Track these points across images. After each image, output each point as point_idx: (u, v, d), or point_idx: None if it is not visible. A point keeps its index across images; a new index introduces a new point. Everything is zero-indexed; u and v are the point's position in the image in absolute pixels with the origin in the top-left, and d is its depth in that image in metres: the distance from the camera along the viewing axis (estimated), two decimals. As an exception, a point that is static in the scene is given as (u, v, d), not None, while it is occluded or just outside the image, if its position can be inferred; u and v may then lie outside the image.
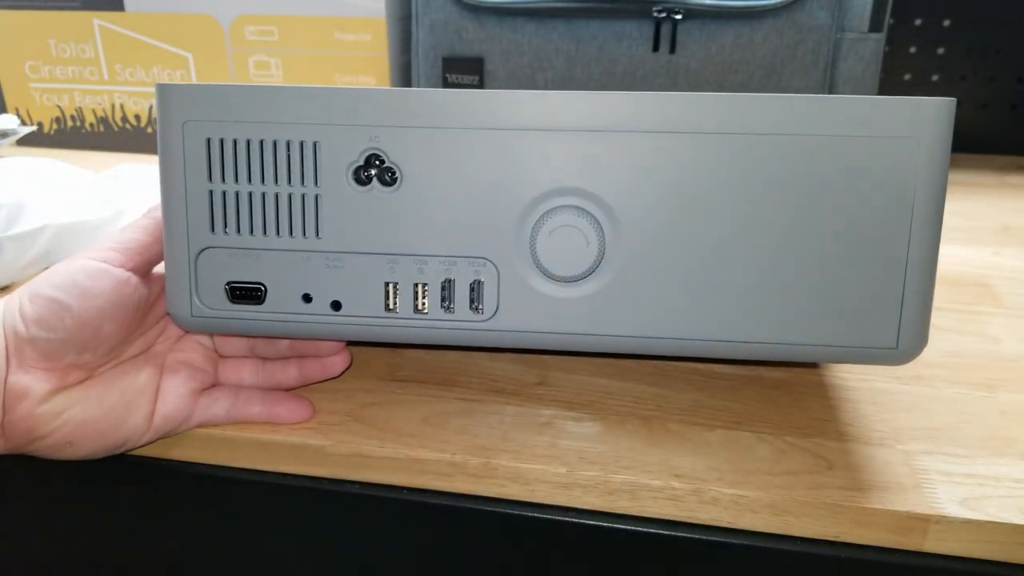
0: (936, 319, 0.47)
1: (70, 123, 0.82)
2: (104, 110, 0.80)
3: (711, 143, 0.31)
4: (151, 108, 0.79)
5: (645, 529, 0.34)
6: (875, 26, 0.66)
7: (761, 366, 0.42)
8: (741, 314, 0.32)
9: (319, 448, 0.36)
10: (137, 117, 0.80)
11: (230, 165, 0.33)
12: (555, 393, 0.40)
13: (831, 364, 0.42)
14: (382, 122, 0.32)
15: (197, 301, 0.34)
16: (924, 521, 0.32)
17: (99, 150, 0.82)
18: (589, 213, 0.32)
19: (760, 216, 0.32)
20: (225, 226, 0.33)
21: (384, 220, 0.33)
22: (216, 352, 0.39)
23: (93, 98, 0.80)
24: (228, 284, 0.34)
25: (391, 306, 0.34)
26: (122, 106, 0.80)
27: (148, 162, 0.76)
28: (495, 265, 0.33)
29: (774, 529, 0.33)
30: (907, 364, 0.42)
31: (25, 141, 0.82)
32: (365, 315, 0.34)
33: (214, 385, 0.38)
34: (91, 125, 0.81)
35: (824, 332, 0.32)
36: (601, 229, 0.32)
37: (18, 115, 0.82)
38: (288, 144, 0.32)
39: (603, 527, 0.35)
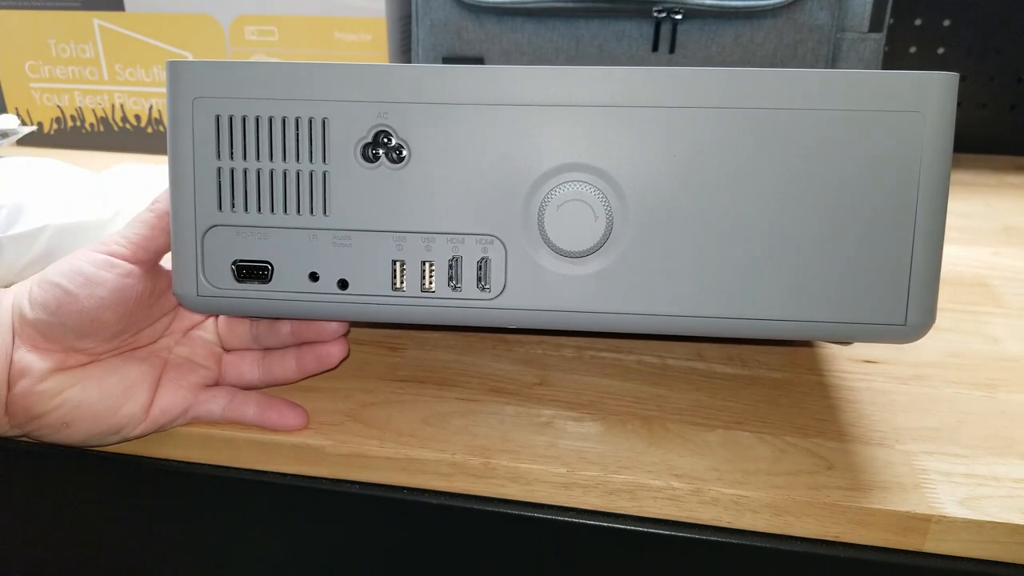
0: (936, 319, 0.47)
1: (70, 123, 0.82)
2: (104, 110, 0.80)
3: (718, 118, 0.31)
4: (151, 108, 0.79)
5: (645, 529, 0.34)
6: (875, 26, 0.66)
7: (761, 367, 0.42)
8: (749, 291, 0.32)
9: (319, 448, 0.36)
10: (137, 117, 0.80)
11: (239, 142, 0.33)
12: (555, 393, 0.40)
13: (831, 363, 0.42)
14: (391, 98, 0.32)
15: (203, 280, 0.34)
16: (924, 521, 0.32)
17: (99, 150, 0.82)
18: (597, 188, 0.32)
19: (766, 191, 0.32)
20: (233, 204, 0.33)
21: (392, 197, 0.33)
22: (221, 348, 0.39)
23: (93, 98, 0.80)
24: (235, 262, 0.34)
25: (398, 285, 0.34)
26: (122, 106, 0.80)
27: (148, 162, 0.76)
28: (503, 242, 0.33)
29: (774, 529, 0.33)
30: (907, 365, 0.42)
31: (25, 141, 0.82)
32: (372, 294, 0.34)
33: (216, 384, 0.38)
34: (91, 125, 0.81)
35: (832, 309, 0.32)
36: (609, 204, 0.32)
37: (18, 115, 0.82)
38: (297, 121, 0.33)
39: (603, 527, 0.35)
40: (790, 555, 0.34)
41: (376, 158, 0.33)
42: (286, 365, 0.38)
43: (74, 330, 0.33)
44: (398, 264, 0.34)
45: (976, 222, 0.65)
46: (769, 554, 0.34)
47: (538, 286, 0.33)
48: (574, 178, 0.32)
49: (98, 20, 0.76)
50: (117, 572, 0.43)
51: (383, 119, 0.32)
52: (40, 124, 0.82)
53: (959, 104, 0.86)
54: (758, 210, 0.32)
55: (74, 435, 0.34)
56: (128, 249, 0.34)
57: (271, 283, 0.34)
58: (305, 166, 0.33)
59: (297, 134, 0.33)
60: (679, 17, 0.65)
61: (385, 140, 0.33)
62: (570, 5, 0.65)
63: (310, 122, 0.33)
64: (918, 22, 0.84)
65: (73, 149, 0.82)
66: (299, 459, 0.37)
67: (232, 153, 0.33)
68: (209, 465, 0.38)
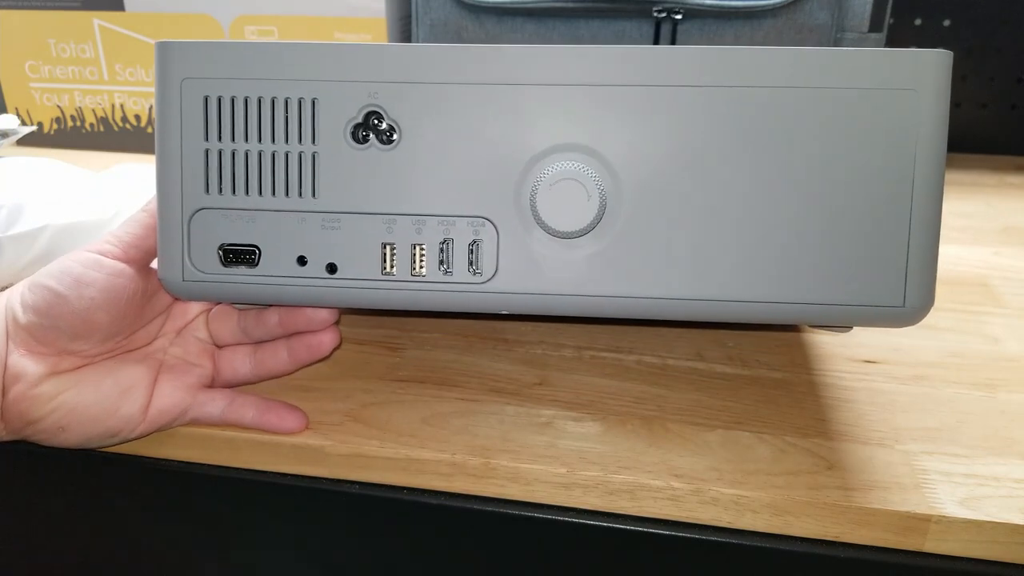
0: (936, 319, 0.47)
1: (70, 123, 0.82)
2: (104, 110, 0.80)
3: (711, 96, 0.31)
4: (151, 108, 0.79)
5: (645, 529, 0.34)
6: (875, 26, 0.66)
7: (761, 367, 0.42)
8: (744, 273, 0.32)
9: (319, 448, 0.36)
10: (137, 117, 0.80)
11: (227, 123, 0.32)
12: (555, 393, 0.40)
13: (831, 363, 0.42)
14: (382, 78, 0.32)
15: (189, 264, 0.34)
16: (924, 521, 0.32)
17: (99, 150, 0.82)
18: (590, 167, 0.32)
19: (762, 171, 0.31)
20: (220, 186, 0.33)
21: (382, 179, 0.33)
22: (215, 344, 0.39)
23: (93, 98, 0.80)
24: (221, 246, 0.33)
25: (388, 268, 0.33)
26: (122, 106, 0.80)
27: (148, 162, 0.76)
28: (494, 224, 0.33)
29: (774, 529, 0.33)
30: (907, 365, 0.42)
31: (25, 141, 0.82)
32: (361, 278, 0.33)
33: (213, 381, 0.38)
34: (91, 125, 0.81)
35: (829, 291, 0.32)
36: (602, 184, 0.32)
37: (18, 115, 0.82)
38: (287, 101, 0.32)
39: (603, 527, 0.35)
40: (790, 555, 0.34)
41: (366, 139, 0.32)
42: (278, 357, 0.38)
43: (66, 332, 0.33)
44: (388, 247, 0.33)
45: (976, 222, 0.65)
46: (769, 554, 0.34)
47: (530, 269, 0.33)
48: (567, 158, 0.32)
49: (98, 20, 0.76)
50: (117, 572, 0.43)
51: (373, 99, 0.32)
52: (40, 124, 0.82)
53: (959, 104, 0.86)
54: (753, 190, 0.31)
55: (71, 439, 0.34)
56: (119, 248, 0.34)
57: (258, 267, 0.33)
58: (294, 148, 0.33)
59: (287, 115, 0.32)
60: (679, 17, 0.65)
61: (375, 121, 0.32)
62: (570, 5, 0.65)
63: (299, 103, 0.32)
64: (918, 22, 0.84)
65: (73, 149, 0.82)
66: (299, 459, 0.37)
67: (220, 135, 0.32)
68: (209, 465, 0.38)
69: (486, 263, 0.33)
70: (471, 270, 0.33)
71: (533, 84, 0.32)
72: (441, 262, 0.33)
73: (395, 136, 0.32)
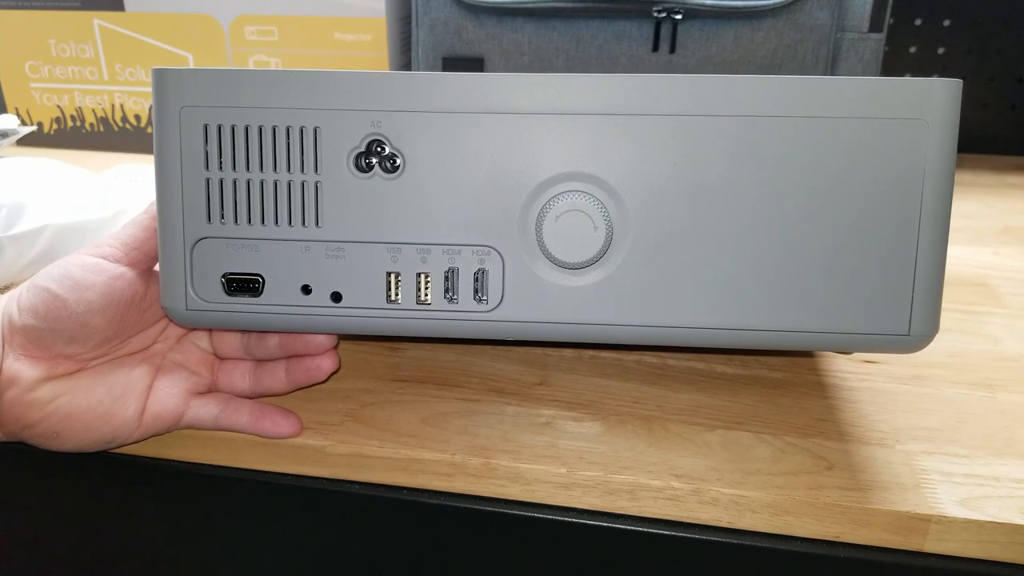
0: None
1: (70, 123, 0.82)
2: (104, 110, 0.80)
3: (718, 125, 0.31)
4: (151, 108, 0.79)
5: (645, 529, 0.34)
6: (875, 26, 0.66)
7: (761, 367, 0.42)
8: (750, 301, 0.32)
9: (319, 448, 0.36)
10: (137, 117, 0.80)
11: (228, 152, 0.32)
12: (555, 393, 0.40)
13: (831, 363, 0.42)
14: (384, 107, 0.32)
15: (192, 294, 0.33)
16: (924, 521, 0.32)
17: (99, 150, 0.82)
18: (596, 198, 0.32)
19: (768, 200, 0.31)
20: (222, 215, 0.33)
21: (386, 208, 0.32)
22: (215, 355, 0.38)
23: (93, 98, 0.80)
24: (225, 276, 0.33)
25: (393, 297, 0.33)
26: (122, 106, 0.80)
27: (148, 162, 0.76)
28: (500, 253, 0.32)
29: (774, 529, 0.33)
30: (907, 365, 0.42)
31: (25, 141, 0.82)
32: (366, 307, 0.33)
33: (209, 389, 0.38)
34: (91, 125, 0.81)
35: (834, 319, 0.32)
36: (609, 214, 0.32)
37: (18, 115, 0.82)
38: (288, 130, 0.32)
39: (603, 527, 0.35)
40: (790, 555, 0.34)
41: (369, 168, 0.32)
42: (276, 377, 0.37)
43: (63, 335, 0.33)
44: (393, 276, 0.33)
45: (976, 222, 0.65)
46: (769, 554, 0.34)
47: (536, 298, 0.33)
48: (572, 188, 0.32)
49: (98, 20, 0.76)
50: (116, 572, 0.43)
51: (376, 128, 0.32)
52: (40, 124, 0.82)
53: (959, 104, 0.86)
54: (759, 219, 0.31)
55: (65, 444, 0.34)
56: (120, 251, 0.33)
57: (262, 296, 0.33)
58: (297, 176, 0.32)
59: (288, 144, 0.32)
60: (679, 17, 0.65)
61: (379, 149, 0.32)
62: (570, 5, 0.65)
63: (301, 131, 0.32)
64: (918, 22, 0.84)
65: (73, 149, 0.82)
66: (299, 459, 0.37)
67: (221, 163, 0.32)
68: (209, 465, 0.38)
69: (492, 292, 0.33)
70: (477, 299, 0.33)
71: (537, 113, 0.31)
72: (446, 290, 0.33)
73: (399, 164, 0.32)
